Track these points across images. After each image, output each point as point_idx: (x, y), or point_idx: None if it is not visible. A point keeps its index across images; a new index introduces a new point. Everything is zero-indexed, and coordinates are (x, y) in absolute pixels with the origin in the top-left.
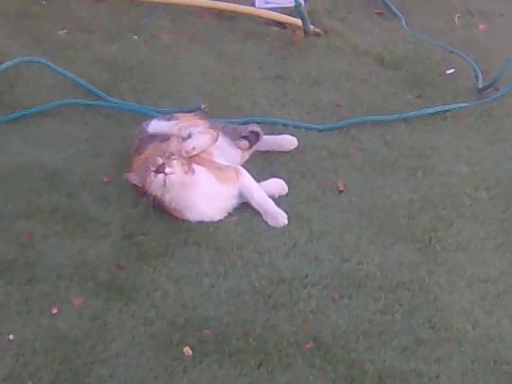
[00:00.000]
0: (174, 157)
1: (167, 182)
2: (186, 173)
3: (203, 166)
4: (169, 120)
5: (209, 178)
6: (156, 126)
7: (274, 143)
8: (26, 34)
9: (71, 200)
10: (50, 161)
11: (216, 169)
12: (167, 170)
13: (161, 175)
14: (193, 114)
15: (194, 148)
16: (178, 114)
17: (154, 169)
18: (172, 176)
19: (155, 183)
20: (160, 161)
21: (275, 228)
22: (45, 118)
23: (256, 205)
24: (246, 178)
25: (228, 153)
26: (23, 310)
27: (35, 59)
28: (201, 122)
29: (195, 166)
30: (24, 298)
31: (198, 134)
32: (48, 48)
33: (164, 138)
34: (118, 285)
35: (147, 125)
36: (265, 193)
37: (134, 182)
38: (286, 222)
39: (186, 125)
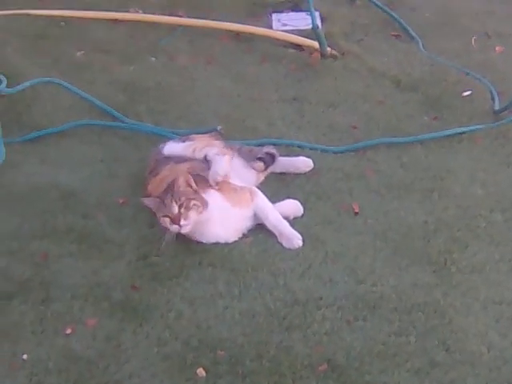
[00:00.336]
0: (192, 203)
1: (182, 231)
2: (200, 213)
3: (217, 188)
4: (184, 141)
5: (223, 203)
6: (171, 147)
7: (290, 165)
8: (43, 54)
9: (87, 220)
10: (66, 181)
11: (230, 191)
12: (182, 222)
13: (175, 226)
14: (208, 135)
15: (223, 176)
16: (194, 136)
17: (168, 214)
18: (187, 227)
19: (170, 228)
20: (176, 210)
21: (290, 249)
22: (62, 139)
23: (271, 226)
24: (261, 200)
25: (243, 174)
26: (38, 329)
27: (53, 80)
28: (216, 142)
29: (209, 191)
30: (38, 317)
31: (217, 157)
32: (65, 69)
33: (179, 159)
34: (133, 305)
35: (163, 147)
36: (280, 214)
37: (149, 207)
38: (300, 243)
39: (200, 146)
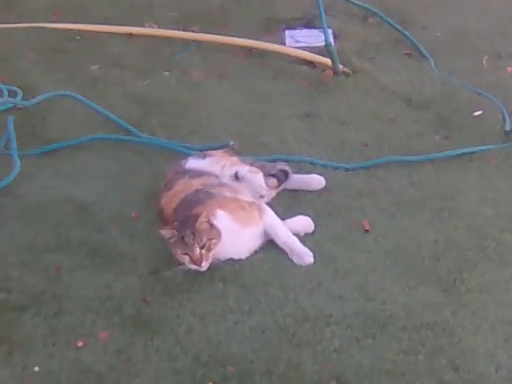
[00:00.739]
0: (213, 243)
1: (200, 270)
2: (216, 248)
3: (226, 209)
4: (204, 157)
5: (233, 224)
6: (195, 163)
7: (303, 182)
8: (59, 68)
9: (99, 234)
10: (80, 194)
11: (239, 209)
12: (203, 264)
13: (195, 266)
14: (222, 150)
15: (267, 189)
16: (213, 151)
17: (189, 253)
18: (206, 267)
19: (188, 266)
20: (197, 251)
21: (300, 266)
22: (76, 152)
23: (281, 243)
24: (269, 217)
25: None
26: (49, 342)
27: (67, 93)
28: (234, 158)
29: (218, 214)
30: (50, 330)
31: (251, 174)
32: (80, 82)
33: (194, 174)
34: (144, 319)
35: (185, 162)
36: (291, 230)
37: (166, 237)
38: (311, 260)
39: (228, 163)
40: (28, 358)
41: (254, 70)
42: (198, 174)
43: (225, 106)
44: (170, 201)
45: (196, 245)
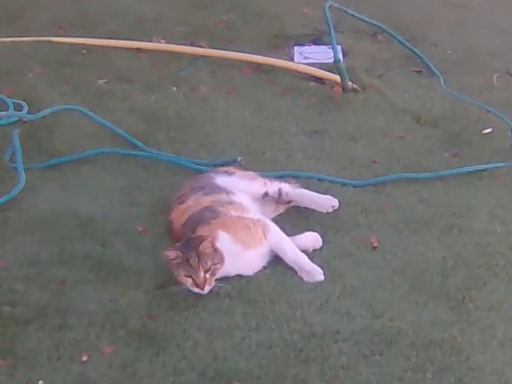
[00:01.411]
0: (217, 268)
1: (202, 293)
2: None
3: (229, 230)
4: (230, 174)
5: (235, 247)
6: (223, 180)
7: (316, 203)
8: (65, 82)
9: (105, 248)
10: (86, 208)
11: (243, 229)
12: (206, 287)
13: (198, 289)
14: (233, 166)
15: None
16: (231, 168)
17: (192, 276)
18: (208, 290)
19: (191, 289)
20: (201, 275)
21: (308, 282)
22: (82, 166)
23: (290, 262)
24: (275, 236)
25: (261, 204)
26: (54, 356)
27: (74, 107)
28: (252, 173)
29: (220, 236)
30: (55, 344)
31: (299, 190)
32: (87, 97)
33: (208, 191)
34: (149, 334)
35: (211, 178)
36: (299, 246)
37: (170, 258)
38: (322, 278)
39: (269, 181)
40: (32, 372)
41: (263, 85)
42: (214, 190)
43: (232, 122)
44: (180, 215)
45: (201, 268)
